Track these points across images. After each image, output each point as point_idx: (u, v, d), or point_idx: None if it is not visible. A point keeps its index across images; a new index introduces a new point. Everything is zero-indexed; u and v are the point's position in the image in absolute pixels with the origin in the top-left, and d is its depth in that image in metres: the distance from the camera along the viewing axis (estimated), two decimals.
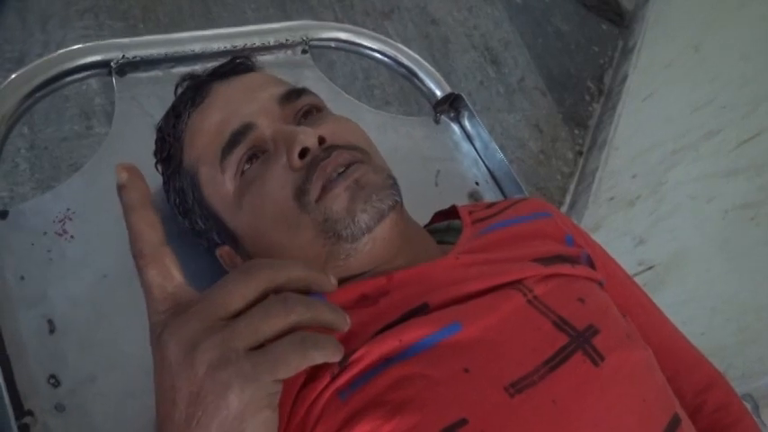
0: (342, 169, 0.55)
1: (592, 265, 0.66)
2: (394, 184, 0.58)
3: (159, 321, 0.36)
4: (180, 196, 0.66)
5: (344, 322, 0.39)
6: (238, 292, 0.36)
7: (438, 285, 0.54)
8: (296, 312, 0.35)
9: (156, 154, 0.70)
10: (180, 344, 0.34)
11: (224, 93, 0.64)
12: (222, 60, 0.70)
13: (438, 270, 0.57)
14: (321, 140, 0.57)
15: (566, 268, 0.59)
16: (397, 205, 0.58)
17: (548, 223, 0.68)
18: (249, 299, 0.36)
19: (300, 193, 0.55)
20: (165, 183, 0.69)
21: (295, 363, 0.34)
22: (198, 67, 0.77)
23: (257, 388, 0.33)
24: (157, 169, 0.70)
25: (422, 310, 0.52)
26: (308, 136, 0.56)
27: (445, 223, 0.74)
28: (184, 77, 0.70)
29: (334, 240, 0.55)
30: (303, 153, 0.56)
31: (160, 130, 0.69)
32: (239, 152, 0.59)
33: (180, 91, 0.69)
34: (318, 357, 0.35)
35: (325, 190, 0.55)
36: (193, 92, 0.65)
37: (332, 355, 0.36)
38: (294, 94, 0.63)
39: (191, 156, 0.64)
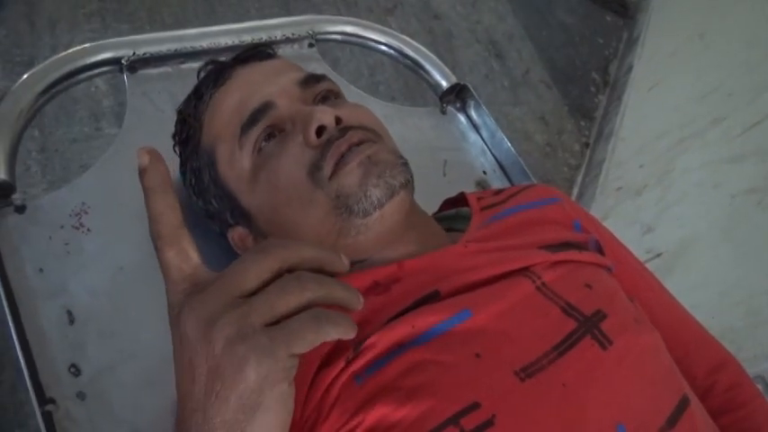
0: (355, 148, 0.57)
1: (600, 250, 0.66)
2: (405, 164, 0.59)
3: (177, 301, 0.37)
4: (196, 176, 0.67)
5: (357, 300, 0.39)
6: (254, 270, 0.36)
7: (449, 273, 0.55)
8: (310, 289, 0.36)
9: (174, 136, 0.71)
10: (198, 321, 0.35)
11: (245, 75, 0.65)
12: (230, 55, 0.72)
13: (448, 258, 0.57)
14: (338, 120, 0.58)
15: (573, 254, 0.59)
16: (408, 184, 0.59)
17: (555, 209, 0.68)
18: (264, 277, 0.36)
19: (315, 169, 0.57)
20: (181, 165, 0.70)
21: (310, 337, 0.34)
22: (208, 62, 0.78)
23: (274, 362, 0.34)
24: (175, 151, 0.71)
25: (433, 298, 0.53)
26: (325, 114, 0.57)
27: (453, 211, 0.74)
28: (207, 62, 0.71)
29: (345, 216, 0.56)
30: (320, 131, 0.57)
31: (180, 111, 0.70)
32: (258, 129, 0.60)
33: (203, 75, 0.71)
34: (333, 333, 0.35)
35: (338, 166, 0.56)
36: (216, 74, 0.67)
37: (345, 331, 0.36)
38: (313, 79, 0.65)
39: (209, 135, 0.65)
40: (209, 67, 0.71)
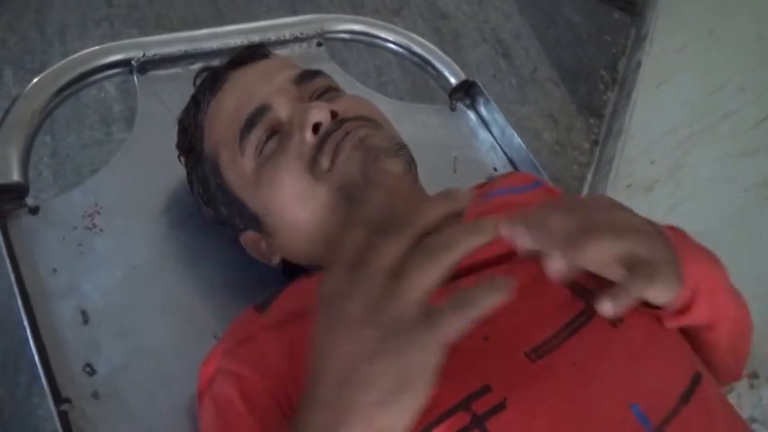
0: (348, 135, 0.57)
1: None
2: (401, 149, 0.59)
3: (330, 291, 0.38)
4: (203, 184, 0.67)
5: (492, 229, 0.39)
6: (389, 252, 0.37)
7: None
8: (445, 259, 0.37)
9: (178, 146, 0.71)
10: (357, 306, 0.36)
11: (240, 78, 0.65)
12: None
13: None
14: (334, 115, 0.58)
15: None
16: (413, 167, 0.59)
17: (543, 192, 0.70)
18: (400, 255, 0.37)
19: (313, 163, 0.57)
20: (188, 174, 0.71)
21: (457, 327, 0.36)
22: (216, 63, 0.79)
23: (428, 352, 0.36)
24: (180, 161, 0.71)
25: None
26: (320, 110, 0.57)
27: None
28: (202, 69, 0.71)
29: (348, 207, 0.56)
30: (316, 128, 0.57)
31: (181, 121, 0.70)
32: (257, 134, 0.60)
33: (198, 82, 0.70)
34: (474, 314, 0.36)
35: (334, 155, 0.56)
36: (211, 81, 0.67)
37: (496, 299, 0.36)
38: (309, 75, 0.65)
39: (210, 142, 0.65)
40: (204, 73, 0.70)
